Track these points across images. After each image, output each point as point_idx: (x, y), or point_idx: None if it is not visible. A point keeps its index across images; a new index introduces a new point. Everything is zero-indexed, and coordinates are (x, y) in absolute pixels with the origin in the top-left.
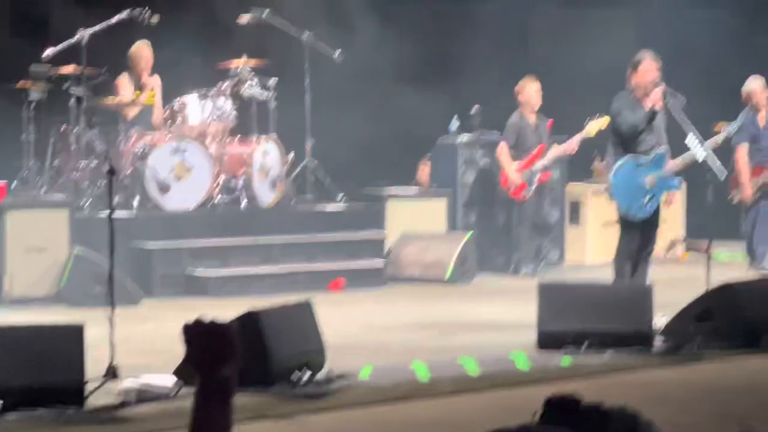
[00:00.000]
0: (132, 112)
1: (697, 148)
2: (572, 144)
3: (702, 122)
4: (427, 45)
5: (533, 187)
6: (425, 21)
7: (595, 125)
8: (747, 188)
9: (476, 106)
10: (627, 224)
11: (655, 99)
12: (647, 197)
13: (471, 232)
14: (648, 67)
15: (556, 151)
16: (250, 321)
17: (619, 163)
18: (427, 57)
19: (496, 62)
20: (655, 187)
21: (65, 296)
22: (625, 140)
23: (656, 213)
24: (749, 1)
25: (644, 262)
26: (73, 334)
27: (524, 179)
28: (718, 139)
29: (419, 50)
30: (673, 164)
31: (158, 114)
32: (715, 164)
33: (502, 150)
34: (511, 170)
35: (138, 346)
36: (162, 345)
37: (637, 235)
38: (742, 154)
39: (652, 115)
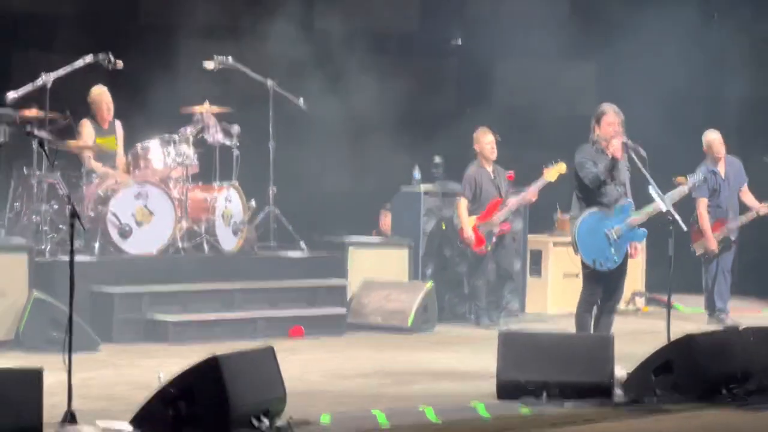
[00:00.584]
0: (94, 157)
1: (659, 200)
2: (531, 192)
3: (663, 174)
4: (391, 95)
5: (492, 241)
6: (389, 72)
7: (554, 171)
8: (712, 241)
9: (438, 157)
10: (591, 275)
11: (615, 149)
12: (613, 248)
13: (432, 281)
14: (611, 120)
15: (515, 201)
16: (210, 366)
17: (583, 216)
18: (391, 107)
19: (459, 113)
20: (621, 238)
21: (23, 341)
22: (588, 193)
23: (623, 263)
24: (709, 53)
25: (609, 313)
26: (32, 379)
27: (482, 233)
28: (683, 190)
29: (383, 100)
30: (638, 216)
31: (121, 158)
32: (677, 216)
33: (461, 206)
34: (468, 227)
35: (96, 392)
36: (120, 391)
37: (601, 286)
38: (703, 207)
39: (613, 164)
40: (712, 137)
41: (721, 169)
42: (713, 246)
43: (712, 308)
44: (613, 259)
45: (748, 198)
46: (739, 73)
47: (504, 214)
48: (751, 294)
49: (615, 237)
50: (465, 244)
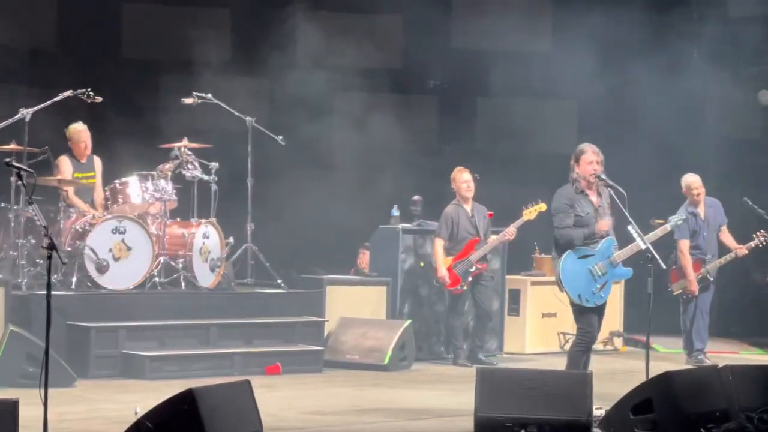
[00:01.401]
0: (72, 191)
1: (638, 239)
2: (509, 231)
3: (643, 213)
4: (371, 133)
5: (468, 280)
6: (369, 109)
7: (533, 210)
8: (693, 283)
9: (417, 197)
10: (582, 311)
11: (602, 224)
12: (598, 284)
13: (409, 319)
14: (589, 159)
15: (493, 240)
16: (186, 399)
17: (564, 255)
18: (370, 144)
19: (439, 151)
20: (606, 274)
21: None
22: None
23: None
24: (690, 93)
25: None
26: (8, 410)
27: (458, 273)
28: (666, 227)
29: (362, 138)
30: (621, 253)
31: (99, 193)
32: (656, 255)
33: (437, 245)
34: (443, 267)
35: (72, 427)
36: (96, 426)
37: (594, 319)
38: (685, 248)
39: (592, 238)
40: (691, 180)
41: (701, 210)
42: (694, 287)
43: (690, 349)
44: (600, 295)
45: (728, 239)
46: (720, 114)
47: (481, 252)
48: (730, 335)
49: (600, 273)
50: (440, 284)
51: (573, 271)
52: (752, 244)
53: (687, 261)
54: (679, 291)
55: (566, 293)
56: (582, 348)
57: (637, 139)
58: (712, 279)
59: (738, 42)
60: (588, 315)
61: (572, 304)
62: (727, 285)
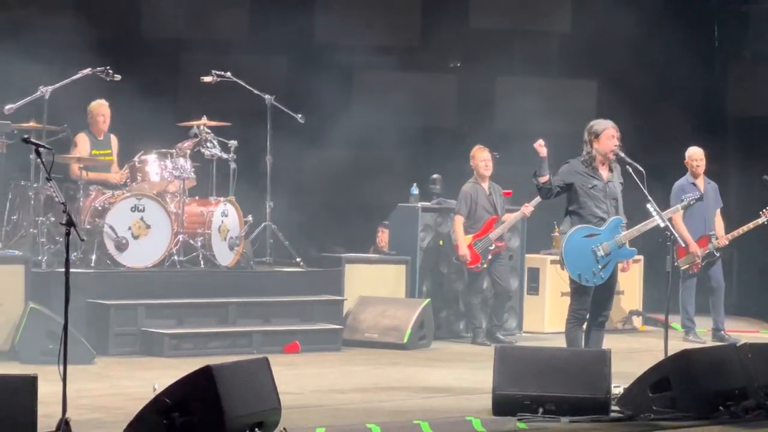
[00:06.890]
0: (91, 169)
1: (657, 217)
2: (527, 208)
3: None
4: (390, 111)
5: (488, 258)
6: (388, 88)
7: None
8: (694, 244)
9: (436, 175)
10: (578, 290)
11: (606, 161)
12: (600, 265)
13: (428, 298)
14: (611, 134)
15: (511, 218)
16: (204, 376)
17: (571, 231)
18: (389, 123)
19: (458, 130)
20: (609, 254)
21: (19, 352)
22: (579, 208)
23: (611, 279)
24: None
25: (598, 329)
26: (27, 386)
27: (478, 251)
28: (677, 208)
29: (382, 116)
30: (628, 233)
31: (116, 172)
32: (675, 233)
33: (457, 223)
34: (464, 245)
35: (91, 403)
36: (115, 402)
37: (588, 300)
38: (678, 217)
39: (546, 192)
40: (694, 151)
41: (699, 183)
42: (695, 248)
43: (688, 327)
44: (600, 275)
45: (719, 223)
46: (736, 94)
47: (500, 231)
48: (750, 314)
49: (602, 254)
50: (460, 262)
51: (576, 249)
52: (759, 221)
53: (682, 228)
54: (686, 266)
55: (567, 271)
56: (576, 323)
57: (656, 118)
58: (718, 254)
59: (756, 22)
60: (584, 296)
61: (571, 281)
62: (746, 264)
